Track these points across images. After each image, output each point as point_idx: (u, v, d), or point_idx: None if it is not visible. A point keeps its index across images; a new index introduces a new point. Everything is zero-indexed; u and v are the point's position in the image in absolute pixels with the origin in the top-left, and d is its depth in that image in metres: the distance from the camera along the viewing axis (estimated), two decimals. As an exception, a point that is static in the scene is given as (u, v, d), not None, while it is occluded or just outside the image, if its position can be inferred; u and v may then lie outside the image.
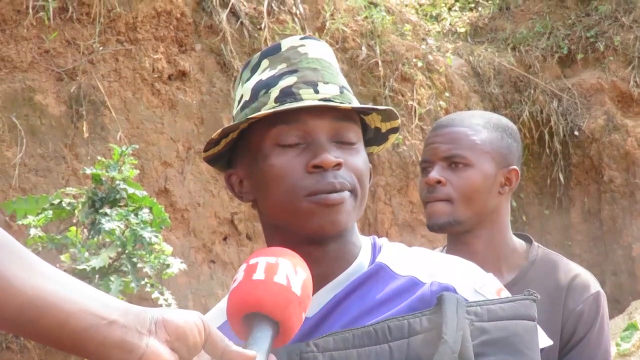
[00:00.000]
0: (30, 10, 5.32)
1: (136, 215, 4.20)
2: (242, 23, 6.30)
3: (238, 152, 1.46)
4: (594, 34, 8.71)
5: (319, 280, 1.38)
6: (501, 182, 2.22)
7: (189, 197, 5.85)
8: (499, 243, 2.25)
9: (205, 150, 1.46)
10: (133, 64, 5.72)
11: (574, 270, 2.24)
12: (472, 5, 9.37)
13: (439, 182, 2.18)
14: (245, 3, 6.38)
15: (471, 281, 1.40)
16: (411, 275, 1.41)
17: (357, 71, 6.92)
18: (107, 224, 4.11)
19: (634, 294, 7.83)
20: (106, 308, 1.07)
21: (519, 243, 2.30)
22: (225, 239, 6.06)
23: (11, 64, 5.31)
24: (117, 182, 4.27)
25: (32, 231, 4.15)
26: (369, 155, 1.52)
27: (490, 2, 9.29)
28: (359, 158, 1.41)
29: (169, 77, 5.91)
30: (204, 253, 5.91)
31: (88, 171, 4.33)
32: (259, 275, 1.21)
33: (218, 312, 1.47)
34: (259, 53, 1.49)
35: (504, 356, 1.31)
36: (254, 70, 1.47)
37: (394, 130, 1.49)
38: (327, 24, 6.81)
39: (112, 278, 4.13)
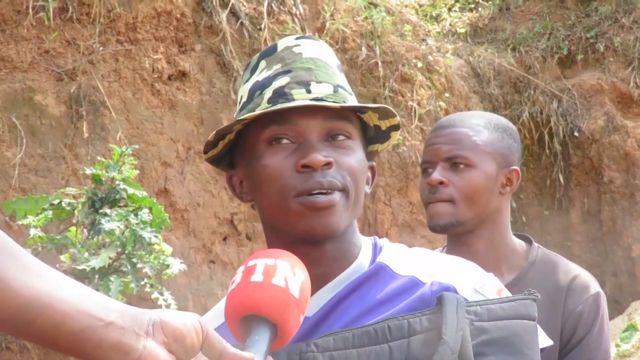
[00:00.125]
0: (30, 10, 5.32)
1: (136, 215, 4.20)
2: (242, 23, 6.30)
3: (237, 153, 1.46)
4: (594, 34, 8.71)
5: (319, 280, 1.39)
6: (502, 183, 2.22)
7: (188, 198, 5.85)
8: (500, 243, 2.25)
9: (205, 152, 1.47)
10: (133, 64, 5.72)
11: (573, 270, 2.24)
12: (472, 5, 9.36)
13: (441, 182, 2.18)
14: (245, 3, 6.38)
15: (471, 281, 1.40)
16: (411, 275, 1.40)
17: (357, 72, 6.91)
18: (106, 224, 4.11)
19: (633, 295, 7.82)
20: (103, 309, 1.07)
21: (519, 243, 2.30)
22: (225, 239, 6.06)
23: (11, 64, 5.31)
24: (117, 182, 4.27)
25: (32, 231, 4.15)
26: (374, 153, 1.53)
27: (490, 2, 9.29)
28: (353, 157, 1.40)
29: (169, 78, 5.91)
30: (203, 253, 5.91)
31: (88, 171, 4.33)
32: (257, 277, 1.21)
33: (217, 313, 1.46)
34: (258, 54, 1.49)
35: (503, 356, 1.31)
36: (252, 71, 1.47)
37: (395, 127, 1.49)
38: (327, 24, 6.80)
39: (111, 278, 4.13)
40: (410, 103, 7.17)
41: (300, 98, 1.38)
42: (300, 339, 1.32)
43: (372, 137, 1.50)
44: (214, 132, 1.42)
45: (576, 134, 8.40)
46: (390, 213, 6.97)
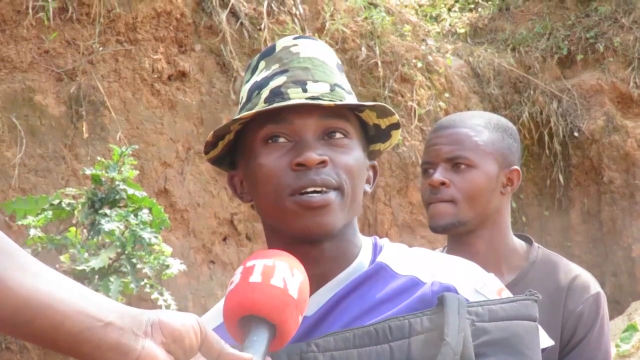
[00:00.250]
0: (30, 10, 5.32)
1: (136, 215, 4.20)
2: (241, 23, 6.30)
3: (238, 153, 1.47)
4: (594, 34, 8.71)
5: (318, 280, 1.39)
6: (503, 183, 2.22)
7: (188, 198, 5.85)
8: (500, 244, 2.25)
9: (206, 153, 1.47)
10: (133, 64, 5.73)
11: (574, 271, 2.24)
12: (472, 6, 9.36)
13: (442, 183, 2.18)
14: (245, 4, 6.38)
15: (472, 281, 1.40)
16: (412, 275, 1.40)
17: (357, 72, 6.91)
18: (106, 225, 4.11)
19: (633, 295, 7.82)
20: (102, 310, 1.06)
21: (519, 244, 2.30)
22: (224, 239, 6.06)
23: (11, 64, 5.31)
24: (117, 182, 4.27)
25: (32, 231, 4.15)
26: (376, 153, 1.53)
27: (490, 2, 9.29)
28: (349, 155, 1.40)
29: (169, 78, 5.91)
30: (203, 253, 5.91)
31: (88, 172, 4.33)
32: (255, 277, 1.21)
33: (216, 313, 1.46)
34: (258, 55, 1.50)
35: (504, 357, 1.31)
36: (253, 72, 1.48)
37: (395, 126, 1.48)
38: (327, 24, 6.80)
39: (111, 279, 4.13)
40: (410, 103, 7.18)
41: (296, 97, 1.38)
42: (300, 338, 1.32)
43: (373, 136, 1.50)
44: (212, 132, 1.43)
45: (576, 134, 8.40)
46: (390, 213, 6.97)
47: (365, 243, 1.47)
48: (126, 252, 4.15)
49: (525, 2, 9.11)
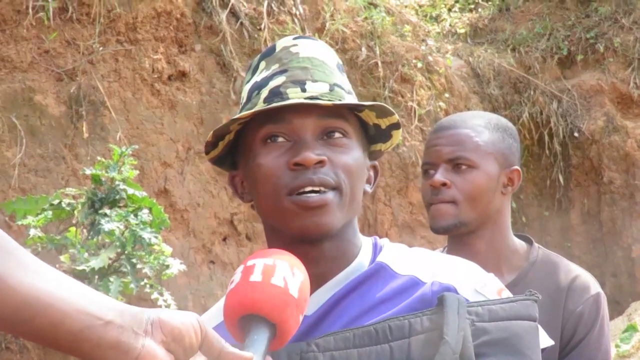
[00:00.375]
0: (30, 10, 5.32)
1: (136, 215, 4.20)
2: (242, 23, 6.30)
3: (238, 153, 1.47)
4: (594, 35, 8.70)
5: (318, 280, 1.39)
6: (504, 183, 2.23)
7: (188, 198, 5.85)
8: (500, 244, 2.25)
9: (207, 153, 1.48)
10: (133, 64, 5.72)
11: (574, 271, 2.24)
12: (472, 6, 9.36)
13: (443, 184, 2.18)
14: (245, 4, 6.38)
15: (472, 281, 1.40)
16: (412, 274, 1.40)
17: (357, 72, 6.92)
18: (106, 225, 4.11)
19: (633, 296, 7.82)
20: (102, 308, 1.06)
21: (519, 244, 2.30)
22: (224, 239, 6.06)
23: (11, 64, 5.31)
24: (117, 182, 4.27)
25: (32, 231, 4.15)
26: (377, 153, 1.53)
27: (490, 3, 9.28)
28: (348, 155, 1.40)
29: (169, 78, 5.91)
30: (203, 254, 5.91)
31: (88, 172, 4.33)
32: (256, 277, 1.21)
33: (216, 312, 1.47)
34: (259, 55, 1.50)
35: (504, 357, 1.31)
36: (253, 72, 1.48)
37: (395, 126, 1.48)
38: (327, 24, 6.80)
39: (111, 279, 4.13)
40: (410, 103, 7.17)
41: (295, 97, 1.39)
42: (300, 338, 1.32)
43: (374, 136, 1.50)
44: (212, 132, 1.43)
45: (576, 134, 8.40)
46: (390, 213, 6.97)
47: (365, 243, 1.47)
48: (126, 252, 4.15)
49: (526, 3, 9.11)
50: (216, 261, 5.95)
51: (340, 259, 1.42)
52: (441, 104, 7.39)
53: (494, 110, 7.94)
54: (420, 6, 9.08)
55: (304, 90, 1.39)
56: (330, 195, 1.37)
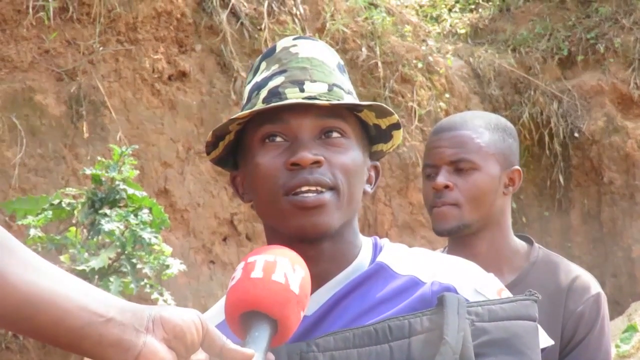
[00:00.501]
0: (31, 10, 5.32)
1: (136, 215, 4.20)
2: (242, 24, 6.30)
3: (239, 153, 1.47)
4: (594, 35, 8.70)
5: (318, 280, 1.38)
6: (505, 183, 2.22)
7: (188, 198, 5.85)
8: (501, 244, 2.25)
9: (208, 154, 1.48)
10: (133, 64, 5.73)
11: (574, 271, 2.24)
12: (473, 6, 9.36)
13: (446, 186, 2.17)
14: (245, 4, 6.38)
15: (472, 281, 1.39)
16: (412, 275, 1.40)
17: (357, 72, 6.92)
18: (106, 225, 4.11)
19: (633, 296, 7.81)
20: (103, 305, 1.06)
21: (520, 244, 2.30)
22: (224, 239, 6.06)
23: (11, 64, 5.32)
24: (117, 182, 4.27)
25: (32, 231, 4.15)
26: (379, 153, 1.53)
27: (490, 3, 9.28)
28: (346, 155, 1.40)
29: (169, 78, 5.91)
30: (203, 254, 5.91)
31: (88, 171, 4.33)
32: (257, 273, 1.21)
33: (217, 311, 1.46)
34: (260, 56, 1.51)
35: (504, 357, 1.31)
36: (255, 73, 1.48)
37: (395, 126, 1.48)
38: (328, 24, 6.81)
39: (111, 279, 4.13)
40: (410, 104, 7.18)
41: (293, 97, 1.39)
42: (300, 338, 1.32)
43: (375, 137, 1.49)
44: (211, 132, 1.44)
45: (576, 134, 8.40)
46: (391, 214, 6.97)
47: (365, 243, 1.47)
48: (126, 252, 4.15)
49: (526, 3, 9.11)
50: (216, 261, 5.95)
51: (339, 259, 1.42)
52: (441, 104, 7.39)
53: (494, 110, 7.94)
54: (420, 6, 9.08)
55: (302, 90, 1.39)
56: (327, 196, 1.37)
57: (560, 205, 8.43)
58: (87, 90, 5.48)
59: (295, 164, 1.36)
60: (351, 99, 1.44)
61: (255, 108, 1.40)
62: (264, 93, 1.41)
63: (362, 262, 1.44)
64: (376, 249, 1.47)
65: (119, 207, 4.27)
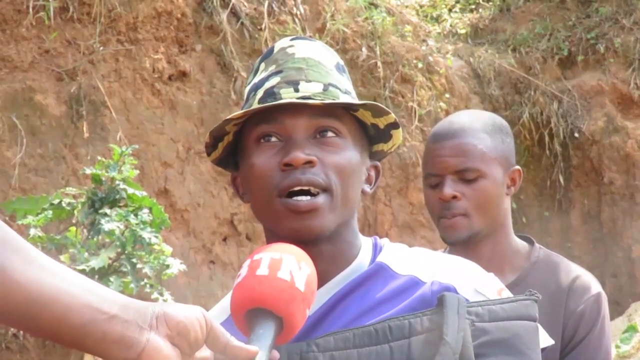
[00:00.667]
0: (31, 10, 5.32)
1: (136, 215, 4.20)
2: (242, 24, 6.30)
3: (238, 154, 1.47)
4: (595, 35, 8.70)
5: (317, 280, 1.38)
6: (507, 184, 2.22)
7: (188, 198, 5.85)
8: (503, 245, 2.25)
9: (208, 155, 1.48)
10: (133, 64, 5.72)
11: (575, 271, 2.24)
12: (473, 6, 9.36)
13: (454, 197, 2.16)
14: (245, 4, 6.38)
15: (472, 281, 1.39)
16: (412, 274, 1.40)
17: (357, 72, 6.92)
18: (106, 225, 4.11)
19: (633, 296, 7.81)
20: (106, 302, 1.06)
21: (521, 244, 2.29)
22: (225, 239, 6.05)
23: (11, 64, 5.31)
24: (117, 182, 4.27)
25: (32, 231, 4.15)
26: (381, 153, 1.52)
27: (490, 3, 9.28)
28: (340, 155, 1.40)
29: (169, 78, 5.91)
30: (203, 254, 5.91)
31: (88, 171, 4.33)
32: (262, 270, 1.20)
33: (220, 310, 1.47)
34: (260, 57, 1.51)
35: (504, 357, 1.31)
36: (254, 74, 1.49)
37: (393, 125, 1.47)
38: (328, 24, 6.81)
39: (111, 279, 4.13)
40: (410, 104, 7.17)
41: (288, 97, 1.39)
42: (300, 338, 1.31)
43: (374, 136, 1.49)
44: (209, 132, 1.44)
45: (576, 135, 8.40)
46: (391, 214, 6.97)
47: (365, 243, 1.47)
48: (126, 252, 4.15)
49: (526, 3, 9.10)
50: (216, 261, 5.95)
51: (338, 259, 1.42)
52: (442, 104, 7.39)
53: (495, 110, 7.94)
54: (420, 6, 9.08)
55: (297, 91, 1.39)
56: (320, 199, 1.37)
57: (561, 205, 8.43)
58: (87, 90, 5.48)
59: (288, 164, 1.36)
60: (348, 98, 1.43)
61: (249, 108, 1.40)
62: (260, 93, 1.42)
63: (361, 262, 1.44)
64: (376, 249, 1.47)
65: (119, 207, 4.27)
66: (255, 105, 1.40)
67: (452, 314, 1.28)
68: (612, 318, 5.38)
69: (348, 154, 1.41)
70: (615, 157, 8.36)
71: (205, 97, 6.06)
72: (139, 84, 5.73)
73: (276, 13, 6.46)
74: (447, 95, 7.52)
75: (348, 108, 1.43)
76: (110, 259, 4.15)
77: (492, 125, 2.21)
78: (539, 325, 1.38)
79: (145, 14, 5.78)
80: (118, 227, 4.14)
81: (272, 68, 1.44)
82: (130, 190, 4.28)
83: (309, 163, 1.36)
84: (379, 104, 1.43)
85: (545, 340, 1.44)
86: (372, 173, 1.49)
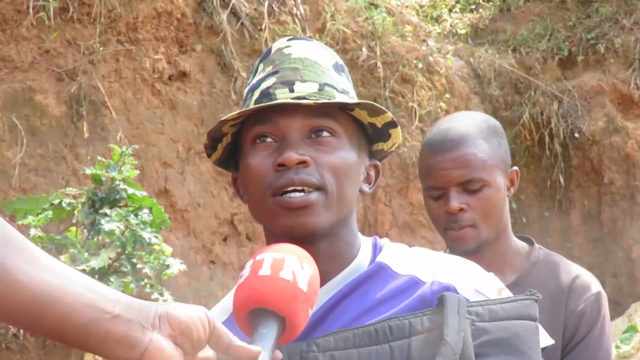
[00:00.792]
0: (31, 10, 5.32)
1: (136, 215, 4.19)
2: (242, 24, 6.30)
3: (238, 155, 1.48)
4: (595, 35, 8.70)
5: (318, 280, 1.38)
6: (507, 186, 2.22)
7: (189, 198, 5.85)
8: (503, 246, 2.25)
9: (209, 156, 1.49)
10: (133, 64, 5.72)
11: (575, 271, 2.24)
12: (473, 6, 9.36)
13: (460, 209, 2.16)
14: (245, 4, 6.38)
15: (472, 281, 1.39)
16: (412, 274, 1.40)
17: (358, 72, 6.91)
18: (106, 225, 4.11)
19: (633, 296, 7.82)
20: (109, 302, 1.06)
21: (521, 245, 2.30)
22: (225, 239, 6.05)
23: (11, 64, 5.31)
24: (117, 182, 4.27)
25: (32, 231, 4.15)
26: (381, 152, 1.52)
27: (490, 3, 9.28)
28: (335, 155, 1.40)
29: (169, 78, 5.91)
30: (203, 254, 5.91)
31: (88, 171, 4.33)
32: (265, 271, 1.21)
33: (221, 310, 1.47)
34: (259, 58, 1.52)
35: (505, 357, 1.30)
36: (254, 75, 1.49)
37: (391, 124, 1.47)
38: (328, 25, 6.81)
39: (111, 279, 4.13)
40: (410, 104, 7.17)
41: (283, 97, 1.39)
42: (300, 338, 1.30)
43: (373, 135, 1.49)
44: (206, 134, 1.45)
45: (577, 135, 8.40)
46: (391, 214, 6.96)
47: (364, 243, 1.47)
48: (126, 252, 4.14)
49: (526, 3, 9.11)
50: (216, 261, 5.95)
51: (337, 259, 1.42)
52: (442, 104, 7.38)
53: (495, 110, 7.95)
54: (421, 6, 9.08)
55: (292, 91, 1.40)
56: (313, 196, 1.37)
57: (561, 205, 8.43)
58: (88, 90, 5.48)
59: (282, 165, 1.37)
60: (345, 98, 1.43)
61: (244, 109, 1.41)
62: (256, 94, 1.42)
63: (361, 262, 1.44)
64: (376, 249, 1.47)
65: (119, 207, 4.27)
66: (252, 106, 1.40)
67: (452, 314, 1.28)
68: (612, 318, 5.38)
69: (343, 153, 1.41)
70: (616, 157, 8.36)
71: (206, 97, 6.06)
72: (139, 84, 5.73)
73: (276, 13, 6.46)
74: (447, 96, 7.52)
75: (344, 107, 1.43)
76: (110, 259, 4.15)
77: (487, 130, 2.20)
78: (539, 325, 1.38)
79: (145, 14, 5.78)
80: (118, 227, 4.14)
81: (269, 69, 1.45)
82: (131, 190, 4.28)
83: (303, 163, 1.37)
84: (374, 103, 1.43)
85: (546, 340, 1.43)
86: (372, 172, 1.49)
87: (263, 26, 6.34)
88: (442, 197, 2.17)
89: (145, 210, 4.26)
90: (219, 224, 6.00)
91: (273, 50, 1.47)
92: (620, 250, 8.26)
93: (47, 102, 5.36)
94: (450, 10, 9.28)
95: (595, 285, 2.21)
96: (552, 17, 8.94)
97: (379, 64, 7.02)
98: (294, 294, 1.19)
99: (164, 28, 5.89)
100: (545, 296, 2.01)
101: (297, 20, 6.58)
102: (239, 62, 6.17)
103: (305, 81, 1.41)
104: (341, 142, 1.41)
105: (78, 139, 5.42)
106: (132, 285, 4.10)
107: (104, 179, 4.28)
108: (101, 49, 5.59)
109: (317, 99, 1.39)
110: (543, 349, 1.39)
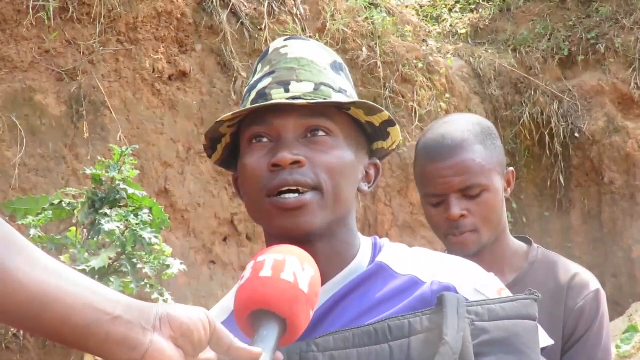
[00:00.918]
0: (31, 10, 5.31)
1: (136, 215, 4.19)
2: (242, 23, 6.30)
3: (238, 155, 1.48)
4: (595, 35, 8.70)
5: (318, 280, 1.38)
6: (504, 188, 2.22)
7: (189, 198, 5.85)
8: (502, 246, 2.25)
9: (209, 157, 1.50)
10: (133, 64, 5.72)
11: (573, 269, 2.25)
12: (473, 6, 9.36)
13: (461, 216, 2.16)
14: (245, 4, 6.38)
15: (472, 280, 1.39)
16: (411, 274, 1.40)
17: (358, 72, 6.91)
18: (106, 225, 4.10)
19: (634, 296, 7.82)
20: (110, 303, 1.06)
21: (519, 245, 2.30)
22: (225, 239, 6.05)
23: (11, 64, 5.31)
24: (117, 182, 4.26)
25: (32, 231, 4.14)
26: (382, 151, 1.52)
27: (491, 3, 9.28)
28: (331, 154, 1.39)
29: (170, 78, 5.91)
30: (203, 254, 5.90)
31: (88, 171, 4.33)
32: (266, 272, 1.21)
33: (220, 310, 1.47)
34: (258, 58, 1.52)
35: (504, 356, 1.30)
36: (253, 76, 1.49)
37: (389, 123, 1.47)
38: (328, 24, 6.80)
39: (111, 279, 4.12)
40: (410, 104, 7.17)
41: (278, 97, 1.39)
42: (299, 338, 1.30)
43: (372, 134, 1.49)
44: (204, 135, 1.45)
45: (577, 135, 8.40)
46: (391, 214, 6.96)
47: (364, 243, 1.47)
48: (126, 252, 4.14)
49: (526, 3, 9.11)
50: (216, 261, 5.94)
51: (336, 259, 1.42)
52: (442, 104, 7.38)
53: (495, 110, 7.95)
54: (421, 6, 9.08)
55: (287, 91, 1.40)
56: (308, 196, 1.37)
57: (561, 205, 8.44)
58: (88, 90, 5.47)
59: (276, 165, 1.37)
60: (342, 97, 1.43)
61: (240, 109, 1.41)
62: (253, 95, 1.42)
63: (361, 262, 1.44)
64: (376, 249, 1.47)
65: (119, 207, 4.26)
66: (248, 106, 1.41)
67: (452, 314, 1.28)
68: (612, 318, 5.38)
69: (339, 152, 1.40)
70: (616, 157, 8.36)
71: (206, 97, 6.06)
72: (139, 84, 5.73)
73: (276, 13, 6.45)
74: (448, 96, 7.52)
75: (340, 107, 1.43)
76: (110, 259, 4.15)
77: (482, 134, 2.20)
78: (538, 325, 1.38)
79: (145, 14, 5.77)
80: (118, 227, 4.13)
81: (266, 69, 1.45)
82: (131, 191, 4.27)
83: (297, 163, 1.37)
84: (370, 102, 1.43)
85: (545, 340, 1.44)
86: (372, 171, 1.49)
87: (263, 26, 6.33)
88: (442, 203, 2.17)
89: (146, 210, 4.26)
90: (219, 224, 6.00)
91: (270, 50, 1.47)
92: (621, 250, 8.26)
93: (47, 102, 5.35)
94: (450, 10, 9.28)
95: (593, 283, 2.22)
96: (552, 17, 8.94)
97: (379, 63, 7.02)
98: (295, 296, 1.19)
99: (164, 28, 5.89)
100: (545, 295, 2.01)
101: (297, 20, 6.58)
102: (239, 62, 6.17)
103: (301, 81, 1.41)
104: (337, 141, 1.41)
105: (78, 139, 5.41)
106: (132, 286, 4.09)
107: (104, 179, 4.28)
108: (101, 49, 5.58)
109: (312, 99, 1.39)
110: (543, 349, 1.39)
